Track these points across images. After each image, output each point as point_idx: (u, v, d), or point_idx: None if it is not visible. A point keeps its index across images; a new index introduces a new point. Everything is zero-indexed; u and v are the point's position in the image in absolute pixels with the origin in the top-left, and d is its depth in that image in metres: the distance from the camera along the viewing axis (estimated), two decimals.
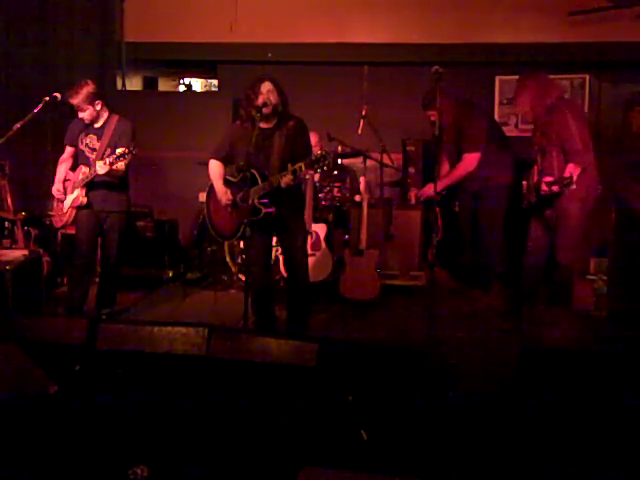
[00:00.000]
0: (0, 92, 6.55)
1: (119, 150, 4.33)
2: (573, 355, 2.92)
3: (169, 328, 2.99)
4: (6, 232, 5.50)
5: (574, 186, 3.98)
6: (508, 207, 5.16)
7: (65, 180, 4.70)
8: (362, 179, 5.50)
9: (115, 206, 4.66)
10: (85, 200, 4.57)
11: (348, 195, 5.70)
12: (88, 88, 4.48)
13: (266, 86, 3.99)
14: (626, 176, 5.23)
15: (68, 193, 4.65)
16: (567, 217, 4.40)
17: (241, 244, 5.32)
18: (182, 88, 8.44)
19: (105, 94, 4.94)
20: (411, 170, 5.97)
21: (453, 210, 5.52)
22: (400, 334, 4.50)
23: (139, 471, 2.37)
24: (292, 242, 4.24)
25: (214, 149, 4.29)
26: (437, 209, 5.10)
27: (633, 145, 6.00)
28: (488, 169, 5.09)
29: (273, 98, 3.98)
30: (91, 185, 4.56)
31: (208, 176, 4.28)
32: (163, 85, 8.22)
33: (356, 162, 5.75)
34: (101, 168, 4.34)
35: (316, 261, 5.12)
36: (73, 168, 4.73)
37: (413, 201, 5.49)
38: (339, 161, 5.81)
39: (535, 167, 4.49)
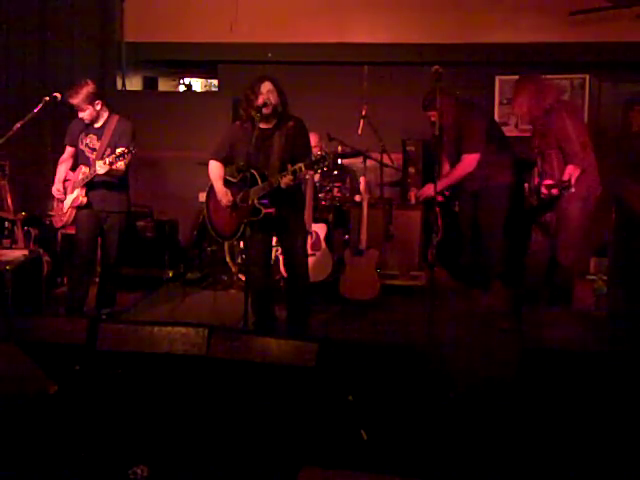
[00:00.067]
0: (0, 92, 6.55)
1: (119, 150, 4.33)
2: (573, 355, 2.92)
3: (169, 328, 2.99)
4: (6, 232, 5.50)
5: (573, 189, 4.00)
6: (509, 207, 5.16)
7: (65, 180, 4.69)
8: (362, 179, 5.50)
9: (115, 206, 4.66)
10: (85, 200, 4.57)
11: (348, 195, 5.70)
12: (88, 88, 4.48)
13: (266, 86, 3.99)
14: (626, 176, 5.23)
15: (68, 193, 4.65)
16: (568, 217, 4.41)
17: (241, 244, 5.31)
18: (182, 88, 8.43)
19: (105, 94, 4.94)
20: (411, 170, 5.97)
21: (453, 210, 5.52)
22: (400, 334, 4.50)
23: (139, 471, 2.37)
24: (292, 242, 4.24)
25: (214, 150, 4.28)
26: (437, 209, 5.10)
27: (633, 145, 6.00)
28: (488, 169, 5.09)
29: (273, 98, 3.98)
30: (91, 185, 4.56)
31: (208, 176, 4.28)
32: (163, 85, 8.22)
33: (356, 162, 5.75)
34: (101, 168, 4.34)
35: (316, 261, 5.12)
36: (73, 168, 4.73)
37: (413, 201, 5.49)
38: (339, 161, 5.81)
39: (535, 170, 4.50)
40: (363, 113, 5.47)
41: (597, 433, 2.59)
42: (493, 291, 5.20)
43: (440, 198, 5.40)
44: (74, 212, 4.62)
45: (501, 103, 6.25)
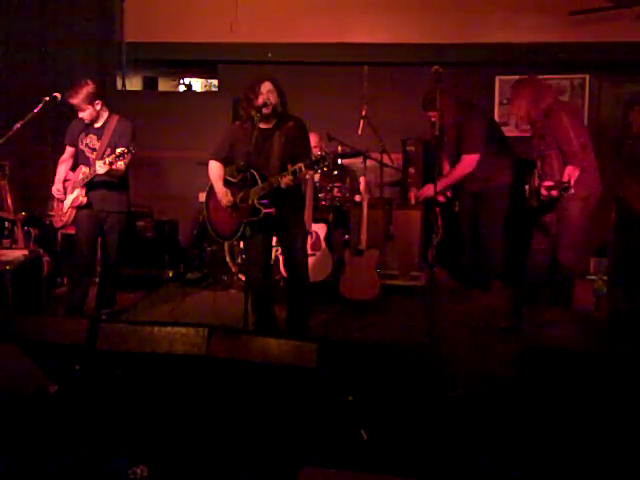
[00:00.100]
0: (0, 92, 6.55)
1: (119, 150, 4.33)
2: (573, 355, 2.93)
3: (169, 328, 2.99)
4: (6, 232, 5.50)
5: (572, 190, 4.00)
6: (510, 208, 5.16)
7: (65, 180, 4.70)
8: (362, 179, 5.50)
9: (115, 206, 4.66)
10: (85, 200, 4.57)
11: (348, 195, 5.70)
12: (88, 88, 4.48)
13: (266, 86, 3.99)
14: (626, 176, 5.24)
15: (68, 193, 4.65)
16: (568, 218, 4.41)
17: (241, 244, 5.32)
18: (182, 88, 8.43)
19: (105, 94, 4.94)
20: (411, 170, 5.97)
21: (453, 210, 5.52)
22: (400, 334, 4.50)
23: (139, 471, 2.37)
24: (292, 242, 4.24)
25: (214, 150, 4.28)
26: (437, 209, 5.10)
27: (633, 145, 6.01)
28: (488, 169, 5.09)
29: (273, 98, 3.98)
30: (91, 185, 4.56)
31: (208, 176, 4.28)
32: (163, 85, 8.22)
33: (356, 162, 5.75)
34: (101, 168, 4.34)
35: (316, 261, 5.12)
36: (73, 168, 4.73)
37: (413, 201, 5.49)
38: (339, 161, 5.81)
39: (536, 171, 4.51)
40: (363, 113, 5.47)
41: (597, 433, 2.59)
42: (493, 291, 5.20)
43: (442, 199, 5.41)
44: (74, 212, 4.62)
45: (501, 103, 6.25)
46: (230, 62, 6.76)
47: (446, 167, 5.34)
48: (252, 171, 3.93)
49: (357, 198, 5.60)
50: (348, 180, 5.78)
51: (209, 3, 6.57)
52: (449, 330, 4.42)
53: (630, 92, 6.18)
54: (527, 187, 4.54)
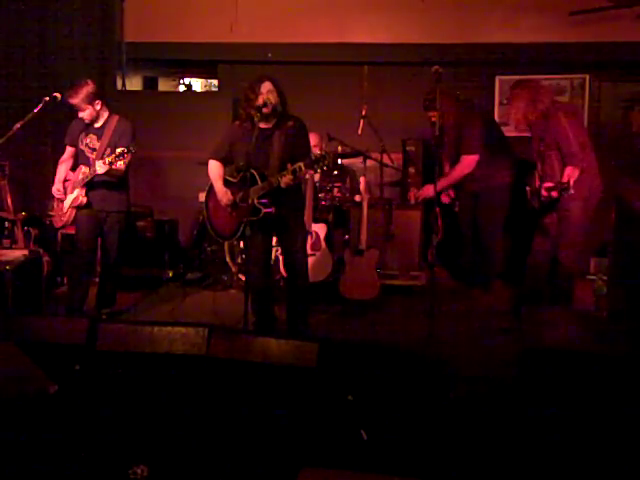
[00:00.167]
0: (0, 92, 6.55)
1: (119, 150, 4.33)
2: (573, 355, 2.92)
3: (169, 328, 2.99)
4: (6, 232, 5.50)
5: (572, 191, 4.00)
6: (511, 208, 5.16)
7: (65, 180, 4.70)
8: (362, 179, 5.50)
9: (115, 206, 4.66)
10: (85, 200, 4.57)
11: (348, 195, 5.70)
12: (88, 88, 4.48)
13: (266, 86, 3.99)
14: (626, 176, 5.24)
15: (68, 193, 4.65)
16: (569, 218, 4.42)
17: (241, 244, 5.32)
18: (182, 88, 8.43)
19: (105, 94, 4.94)
20: (411, 170, 5.97)
21: (453, 210, 5.52)
22: (400, 334, 4.50)
23: (139, 471, 2.37)
24: (292, 242, 4.24)
25: (213, 149, 4.28)
26: (437, 209, 5.10)
27: (633, 145, 6.01)
28: (488, 169, 5.09)
29: (273, 98, 3.98)
30: (91, 185, 4.56)
31: (208, 176, 4.28)
32: (163, 85, 8.21)
33: (356, 162, 5.75)
34: (100, 167, 4.34)
35: (316, 261, 5.12)
36: (73, 168, 4.73)
37: (412, 201, 5.49)
38: (339, 161, 5.81)
39: (536, 172, 4.52)
40: (363, 113, 5.47)
41: (597, 433, 2.59)
42: (493, 291, 5.20)
43: (446, 199, 5.42)
44: (74, 212, 4.62)
45: (501, 103, 6.25)
46: (230, 62, 6.76)
47: (446, 167, 5.34)
48: (252, 171, 3.93)
49: (357, 198, 5.59)
50: (348, 180, 5.78)
51: (209, 3, 6.57)
52: (449, 330, 4.41)
53: (630, 92, 6.18)
54: (528, 188, 4.55)
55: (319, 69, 6.58)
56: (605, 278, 4.83)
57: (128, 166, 4.55)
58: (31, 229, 5.44)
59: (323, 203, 5.54)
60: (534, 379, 2.83)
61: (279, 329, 4.32)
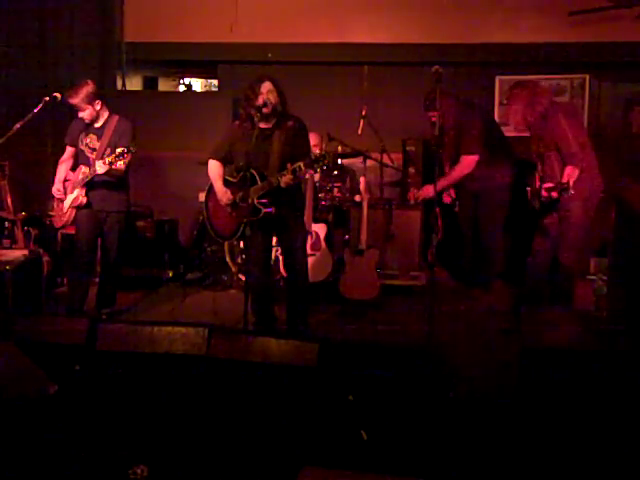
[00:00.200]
0: (0, 92, 6.55)
1: (119, 150, 4.33)
2: (573, 355, 2.92)
3: (169, 328, 2.99)
4: (6, 232, 5.50)
5: (572, 192, 4.01)
6: (512, 208, 5.16)
7: (65, 180, 4.69)
8: (362, 179, 5.50)
9: (115, 206, 4.66)
10: (85, 200, 4.57)
11: (348, 195, 5.70)
12: (88, 88, 4.48)
13: (266, 86, 3.99)
14: (626, 176, 5.24)
15: (68, 193, 4.65)
16: (570, 218, 4.42)
17: (241, 244, 5.31)
18: (182, 88, 8.43)
19: (105, 94, 4.94)
20: (411, 170, 5.96)
21: (453, 210, 5.52)
22: (400, 334, 4.50)
23: (139, 471, 2.37)
24: (292, 242, 4.24)
25: (213, 149, 4.29)
26: (437, 209, 5.10)
27: (633, 145, 6.01)
28: (488, 169, 5.09)
29: (273, 98, 3.98)
30: (91, 185, 4.56)
31: (208, 176, 4.28)
32: (163, 85, 8.22)
33: (356, 162, 5.74)
34: (100, 167, 4.34)
35: (316, 261, 5.12)
36: (73, 168, 4.73)
37: (412, 201, 5.48)
38: (339, 161, 5.81)
39: (536, 173, 4.52)
40: (363, 113, 5.47)
41: (597, 433, 2.59)
42: (493, 291, 5.20)
43: (448, 199, 5.42)
44: (74, 212, 4.62)
45: (501, 103, 6.24)
46: (230, 62, 6.76)
47: (447, 167, 5.34)
48: (252, 170, 3.93)
49: (357, 198, 5.59)
50: (348, 180, 5.78)
51: (209, 3, 6.57)
52: (449, 330, 4.41)
53: (630, 92, 6.18)
54: (529, 189, 4.55)
55: (319, 69, 6.57)
56: (605, 278, 4.83)
57: (128, 166, 4.55)
58: (31, 229, 5.43)
59: (323, 203, 5.54)
60: (534, 379, 2.83)
61: (279, 329, 4.32)
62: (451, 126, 5.13)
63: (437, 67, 4.06)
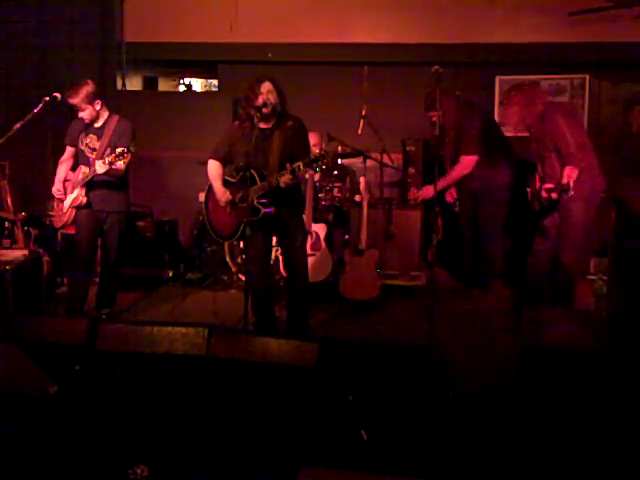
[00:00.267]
0: (0, 92, 6.55)
1: (119, 149, 4.33)
2: (573, 355, 2.92)
3: (169, 328, 2.99)
4: (6, 232, 5.50)
5: (572, 192, 4.01)
6: (512, 209, 5.16)
7: (65, 180, 4.70)
8: (362, 179, 5.50)
9: (115, 206, 4.66)
10: (85, 200, 4.57)
11: (348, 195, 5.70)
12: (88, 88, 4.48)
13: (266, 86, 3.99)
14: (626, 176, 5.24)
15: (68, 193, 4.65)
16: (571, 218, 4.42)
17: (241, 244, 5.32)
18: (182, 88, 8.43)
19: (105, 94, 4.95)
20: (411, 170, 5.96)
21: (453, 210, 5.52)
22: (400, 334, 4.50)
23: (139, 471, 2.37)
24: (291, 242, 4.24)
25: (213, 149, 4.29)
26: (437, 209, 5.10)
27: (633, 145, 6.01)
28: (488, 170, 5.09)
29: (273, 98, 3.98)
30: (91, 185, 4.56)
31: (208, 176, 4.28)
32: (163, 85, 8.22)
33: (356, 162, 5.75)
34: (100, 167, 4.34)
35: (316, 261, 5.12)
36: (73, 168, 4.73)
37: (412, 200, 5.48)
38: (339, 161, 5.81)
39: (537, 174, 4.52)
40: (363, 113, 5.47)
41: (597, 433, 2.59)
42: (493, 291, 5.20)
43: (449, 198, 5.42)
44: (74, 212, 4.62)
45: (501, 103, 6.23)
46: (230, 62, 6.75)
47: (448, 167, 5.34)
48: (251, 171, 3.94)
49: (357, 198, 5.59)
50: (348, 180, 5.78)
51: (209, 3, 6.57)
52: (449, 330, 4.41)
53: (630, 92, 6.18)
54: (529, 190, 4.55)
55: (319, 69, 6.57)
56: (605, 278, 4.83)
57: (128, 166, 4.55)
58: (31, 229, 5.44)
59: (323, 203, 5.54)
60: (534, 379, 2.83)
61: (279, 329, 4.32)
62: (451, 126, 5.14)
63: (437, 67, 4.06)
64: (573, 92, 6.20)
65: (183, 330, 2.96)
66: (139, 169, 5.25)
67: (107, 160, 4.31)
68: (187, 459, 2.49)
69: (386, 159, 5.54)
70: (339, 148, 5.73)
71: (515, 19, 6.11)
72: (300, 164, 3.80)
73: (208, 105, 6.49)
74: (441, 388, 3.05)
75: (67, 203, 4.64)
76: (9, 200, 5.52)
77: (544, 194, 4.19)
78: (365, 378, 2.90)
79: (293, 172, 3.83)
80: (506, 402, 2.95)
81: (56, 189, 4.68)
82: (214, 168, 4.25)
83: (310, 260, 4.72)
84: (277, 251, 4.97)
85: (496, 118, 6.02)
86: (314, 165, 3.80)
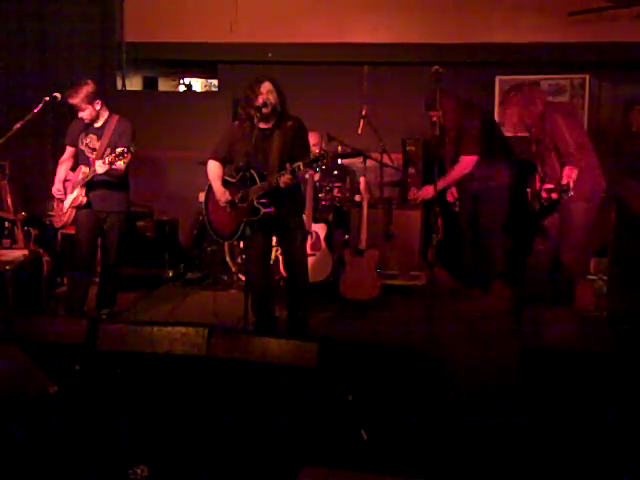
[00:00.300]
0: (0, 92, 6.55)
1: (119, 149, 4.33)
2: (573, 355, 2.92)
3: (169, 328, 2.99)
4: (6, 232, 5.50)
5: (572, 193, 4.01)
6: (512, 209, 5.16)
7: (65, 180, 4.70)
8: (362, 179, 5.50)
9: (115, 206, 4.66)
10: (85, 200, 4.57)
11: (348, 195, 5.70)
12: (88, 88, 4.48)
13: (266, 86, 3.99)
14: (626, 176, 5.24)
15: (68, 193, 4.65)
16: (572, 218, 4.42)
17: (241, 244, 5.32)
18: (182, 88, 8.43)
19: (105, 94, 4.95)
20: (411, 170, 5.96)
21: (453, 210, 5.52)
22: (400, 334, 4.50)
23: (139, 471, 2.37)
24: (291, 242, 4.24)
25: (212, 150, 4.29)
26: (437, 209, 5.10)
27: (633, 145, 6.01)
28: (488, 170, 5.09)
29: (272, 98, 3.98)
30: (91, 185, 4.56)
31: (208, 176, 4.28)
32: (163, 85, 8.22)
33: (356, 162, 5.75)
34: (100, 167, 4.34)
35: (316, 261, 5.12)
36: (73, 168, 4.73)
37: (412, 199, 5.47)
38: (339, 161, 5.81)
39: (537, 174, 4.52)
40: (363, 113, 5.47)
41: (597, 433, 2.59)
42: (493, 291, 5.20)
43: (450, 198, 5.42)
44: (74, 212, 4.62)
45: (501, 103, 6.23)
46: (230, 62, 6.76)
47: (448, 167, 5.34)
48: (251, 171, 3.94)
49: (357, 198, 5.59)
50: (348, 180, 5.78)
51: (209, 3, 6.57)
52: (449, 330, 4.41)
53: (630, 92, 6.18)
54: (529, 190, 4.55)
55: (319, 69, 6.57)
56: (605, 278, 4.83)
57: (128, 166, 4.55)
58: (31, 229, 5.44)
59: (323, 203, 5.54)
60: (534, 379, 2.83)
61: (279, 329, 4.32)
62: (451, 126, 5.13)
63: (437, 67, 4.06)
64: (573, 92, 6.20)
65: (183, 330, 2.96)
66: (139, 169, 5.26)
67: (107, 160, 4.31)
68: (187, 459, 2.49)
69: (386, 159, 5.54)
70: (339, 148, 5.73)
71: (515, 19, 6.11)
72: (300, 164, 3.80)
73: (208, 105, 6.49)
74: (441, 388, 3.05)
75: (67, 203, 4.64)
76: (9, 200, 5.52)
77: (544, 194, 4.19)
78: (365, 378, 2.90)
79: (293, 172, 3.83)
80: (506, 402, 2.95)
81: (56, 189, 4.68)
82: (214, 168, 4.25)
83: (310, 260, 4.72)
84: (277, 251, 4.97)
85: (496, 118, 6.02)
86: (314, 165, 3.80)
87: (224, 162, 4.27)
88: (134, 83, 7.43)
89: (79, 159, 4.69)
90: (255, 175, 3.95)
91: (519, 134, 4.97)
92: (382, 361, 3.03)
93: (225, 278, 5.71)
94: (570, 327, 4.34)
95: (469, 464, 2.55)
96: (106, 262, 4.81)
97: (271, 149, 4.03)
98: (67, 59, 6.57)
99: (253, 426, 2.61)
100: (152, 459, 2.43)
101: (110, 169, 4.37)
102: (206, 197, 4.38)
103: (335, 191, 5.62)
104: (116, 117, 4.64)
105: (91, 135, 4.62)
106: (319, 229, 5.27)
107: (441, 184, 5.10)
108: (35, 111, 4.53)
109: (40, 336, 3.09)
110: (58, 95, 4.58)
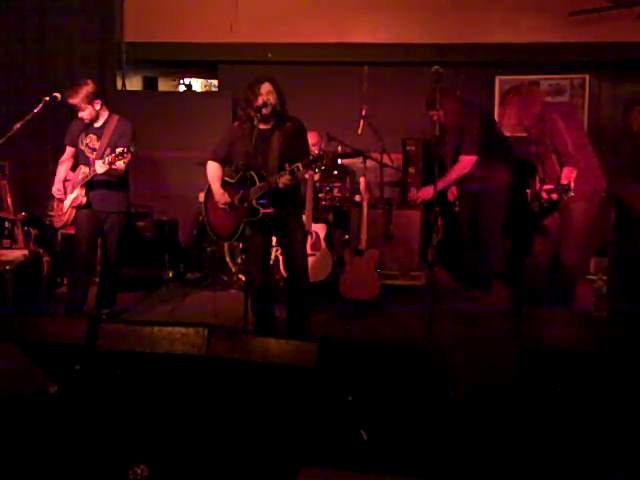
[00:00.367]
0: (0, 92, 6.55)
1: (119, 149, 4.34)
2: (573, 355, 2.92)
3: (169, 328, 2.99)
4: (6, 232, 5.51)
5: (572, 193, 4.01)
6: (512, 209, 5.16)
7: (65, 180, 4.70)
8: (362, 179, 5.50)
9: (115, 206, 4.66)
10: (85, 200, 4.57)
11: (348, 195, 5.70)
12: (88, 88, 4.49)
13: (265, 87, 3.99)
14: (626, 176, 5.24)
15: (68, 193, 4.65)
16: (572, 218, 4.42)
17: (241, 244, 5.32)
18: (182, 88, 8.44)
19: (105, 94, 4.95)
20: (411, 170, 5.97)
21: (453, 210, 5.52)
22: (400, 334, 4.50)
23: (139, 471, 2.37)
24: (291, 242, 4.24)
25: (212, 150, 4.29)
26: (437, 209, 5.10)
27: (633, 145, 6.01)
28: (488, 170, 5.09)
29: (272, 99, 3.98)
30: (91, 185, 4.56)
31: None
32: (163, 85, 8.22)
33: (356, 162, 5.75)
34: (100, 167, 4.34)
35: (316, 261, 5.12)
36: (73, 168, 4.73)
37: (411, 198, 5.47)
38: (339, 161, 5.81)
39: (537, 175, 4.52)
40: (363, 113, 5.47)
41: (597, 433, 2.59)
42: (493, 291, 5.20)
43: (451, 197, 5.42)
44: (74, 212, 4.62)
45: (501, 103, 6.24)
46: (230, 62, 6.76)
47: (449, 167, 5.34)
48: (251, 171, 3.94)
49: (357, 198, 5.59)
50: (348, 180, 5.78)
51: (209, 3, 6.57)
52: (449, 330, 4.41)
53: (630, 92, 6.18)
54: (529, 191, 4.56)
55: (319, 69, 6.57)
56: (605, 278, 4.83)
57: (128, 166, 4.55)
58: (31, 229, 5.44)
59: (323, 203, 5.55)
60: (534, 379, 2.83)
61: (279, 329, 4.32)
62: (452, 126, 5.13)
63: (437, 67, 4.06)
64: (573, 92, 6.20)
65: (183, 330, 2.96)
66: (139, 169, 5.26)
67: (107, 160, 4.31)
68: (187, 459, 2.49)
69: (386, 159, 5.54)
70: (339, 148, 5.73)
71: (515, 19, 6.11)
72: (299, 165, 3.80)
73: (208, 105, 6.49)
74: (441, 388, 3.05)
75: (67, 203, 4.64)
76: (9, 200, 5.53)
77: (544, 195, 4.19)
78: (365, 378, 2.90)
79: (292, 173, 3.83)
80: (506, 402, 2.95)
81: (56, 189, 4.68)
82: (213, 169, 4.24)
83: (310, 260, 4.72)
84: (277, 251, 4.97)
85: (496, 118, 6.02)
86: (313, 166, 3.80)
87: (224, 163, 4.27)
88: (134, 83, 7.44)
89: (79, 159, 4.69)
90: (254, 176, 3.95)
91: (520, 134, 4.98)
92: (382, 361, 3.03)
93: (225, 278, 5.72)
94: (570, 327, 4.33)
95: (469, 464, 2.55)
96: (106, 262, 4.81)
97: (271, 150, 4.03)
98: (67, 59, 6.58)
99: (253, 426, 2.61)
100: (152, 459, 2.43)
101: (110, 169, 4.37)
102: (206, 197, 4.38)
103: (335, 191, 5.63)
104: (116, 117, 4.64)
105: (91, 135, 4.62)
106: (319, 229, 5.27)
107: (441, 184, 5.10)
108: (35, 111, 4.53)
109: (40, 336, 3.09)
110: (58, 95, 4.58)
